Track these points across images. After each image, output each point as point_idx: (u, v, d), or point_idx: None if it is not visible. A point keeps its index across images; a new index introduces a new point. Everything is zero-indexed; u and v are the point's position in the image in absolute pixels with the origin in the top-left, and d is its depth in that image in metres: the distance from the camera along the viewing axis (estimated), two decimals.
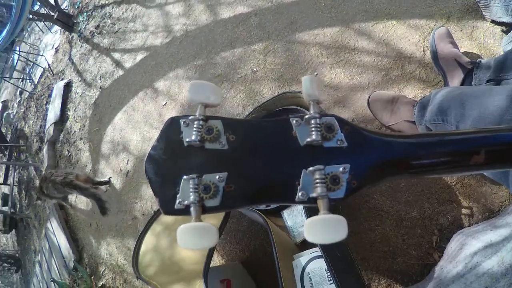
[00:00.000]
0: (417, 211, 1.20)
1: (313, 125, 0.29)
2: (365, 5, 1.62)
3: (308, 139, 0.29)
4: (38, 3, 4.40)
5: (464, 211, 1.14)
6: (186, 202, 0.29)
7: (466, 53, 1.29)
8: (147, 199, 2.16)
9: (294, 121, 0.30)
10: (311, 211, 1.02)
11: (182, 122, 0.31)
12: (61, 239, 2.76)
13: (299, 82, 1.66)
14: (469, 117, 0.76)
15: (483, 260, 0.84)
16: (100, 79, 3.17)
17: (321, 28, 1.72)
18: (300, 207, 1.22)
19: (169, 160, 0.31)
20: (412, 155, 0.29)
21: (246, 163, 0.29)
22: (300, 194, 0.28)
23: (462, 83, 1.15)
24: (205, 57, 2.20)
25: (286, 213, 1.27)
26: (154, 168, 0.31)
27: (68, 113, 3.43)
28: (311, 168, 0.28)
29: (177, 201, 0.29)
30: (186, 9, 2.59)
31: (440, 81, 1.31)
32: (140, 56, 2.81)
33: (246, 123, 0.31)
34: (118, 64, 3.03)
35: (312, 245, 1.03)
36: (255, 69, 1.89)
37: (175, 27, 2.59)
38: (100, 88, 3.11)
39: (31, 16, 4.10)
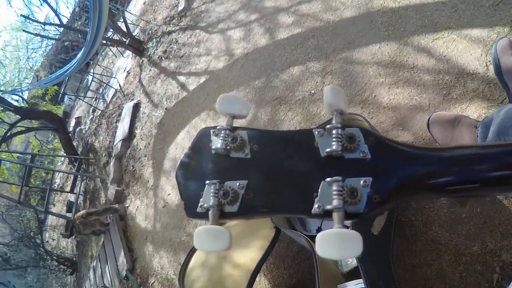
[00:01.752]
0: (478, 245, 1.08)
1: (334, 136, 0.28)
2: (423, 20, 1.55)
3: (328, 149, 0.28)
4: (111, 30, 4.88)
5: None
6: (206, 206, 0.30)
7: None
8: None
9: (317, 132, 0.29)
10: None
11: (212, 132, 0.33)
12: (117, 248, 2.93)
13: (357, 104, 1.62)
14: None
15: None
16: (166, 100, 3.39)
17: (378, 47, 1.68)
18: None
19: (197, 167, 0.33)
20: (445, 171, 0.27)
21: (267, 172, 0.30)
22: (316, 206, 0.27)
23: None
24: (265, 80, 2.24)
25: None
26: (183, 173, 0.33)
27: (136, 131, 3.70)
28: (328, 179, 0.27)
29: (199, 205, 0.30)
30: (246, 33, 2.70)
31: (505, 98, 1.19)
32: (203, 79, 2.96)
33: (271, 134, 0.31)
34: (183, 86, 3.22)
35: (358, 276, 0.97)
36: (312, 91, 1.88)
37: (236, 51, 2.70)
38: (166, 109, 3.33)
39: (105, 42, 4.54)
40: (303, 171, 0.29)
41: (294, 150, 0.30)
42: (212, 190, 0.30)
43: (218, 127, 0.33)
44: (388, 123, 1.47)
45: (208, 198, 0.30)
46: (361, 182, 0.27)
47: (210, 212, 0.29)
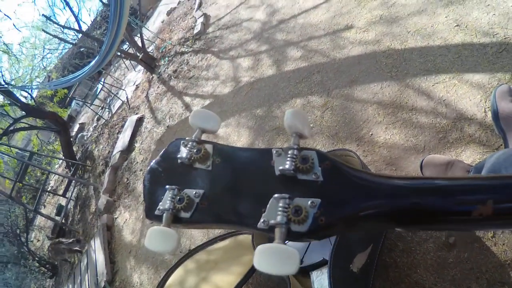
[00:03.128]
0: None
1: (289, 155, 0.29)
2: (427, 64, 1.59)
3: (281, 168, 0.29)
4: (127, 44, 5.01)
5: None
6: (162, 209, 0.31)
7: None
8: (188, 237, 2.18)
9: (275, 151, 0.30)
10: (335, 274, 0.95)
11: (182, 143, 0.34)
12: (99, 257, 2.88)
13: (353, 141, 1.64)
14: None
15: None
16: (169, 118, 3.43)
17: (380, 87, 1.71)
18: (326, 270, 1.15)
19: (163, 173, 0.34)
20: (397, 201, 0.27)
21: (223, 185, 0.31)
22: (262, 220, 0.27)
23: None
24: (267, 110, 2.28)
25: (315, 274, 1.20)
26: (150, 178, 0.35)
27: (135, 144, 3.72)
28: (276, 195, 0.28)
29: (158, 207, 0.32)
30: (255, 63, 2.76)
31: (501, 145, 1.20)
32: (208, 102, 3.01)
33: (234, 150, 0.33)
34: (187, 107, 3.27)
35: None
36: (311, 125, 1.90)
37: (243, 78, 2.76)
38: (168, 126, 3.36)
39: (119, 54, 4.66)
40: (257, 187, 0.30)
41: (253, 166, 0.31)
42: (170, 195, 0.31)
43: (187, 138, 0.34)
44: (381, 162, 1.48)
45: (165, 202, 0.31)
46: (309, 202, 0.27)
47: (164, 215, 0.31)
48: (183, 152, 0.33)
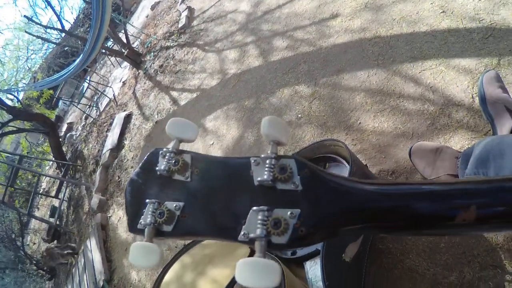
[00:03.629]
0: (455, 275, 1.07)
1: (267, 165, 0.29)
2: (413, 51, 1.59)
3: (259, 178, 0.28)
4: (112, 40, 4.93)
5: (508, 277, 1.00)
6: (143, 223, 0.31)
7: None
8: None
9: (253, 161, 0.30)
10: (328, 265, 0.95)
11: (161, 153, 0.34)
12: (96, 257, 2.87)
13: (342, 130, 1.64)
14: (506, 169, 0.68)
15: None
16: (157, 114, 3.40)
17: (367, 76, 1.71)
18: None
19: (144, 185, 0.34)
20: (373, 206, 0.27)
21: (203, 196, 0.30)
22: (242, 233, 0.27)
23: None
24: (255, 101, 2.27)
25: (308, 264, 1.20)
26: (131, 190, 0.34)
27: (125, 142, 3.69)
28: (255, 208, 0.27)
29: (140, 221, 0.31)
30: (241, 54, 2.74)
31: (489, 130, 1.20)
32: (195, 96, 2.98)
33: (212, 159, 0.32)
34: (175, 101, 3.24)
35: None
36: (299, 116, 1.90)
37: (230, 71, 2.74)
38: (156, 122, 3.33)
39: (104, 51, 4.58)
40: (236, 198, 0.29)
41: (232, 176, 0.30)
42: (150, 209, 0.31)
43: (164, 149, 0.33)
44: (371, 150, 1.48)
45: (147, 216, 0.31)
46: (288, 213, 0.27)
47: (146, 229, 0.30)
48: (162, 164, 0.33)
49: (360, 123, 1.60)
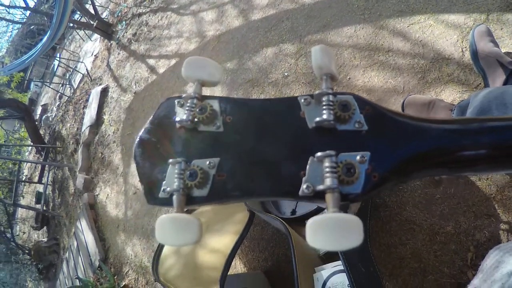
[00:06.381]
0: (452, 225, 1.10)
1: (324, 103, 0.23)
2: (400, 5, 1.53)
3: (318, 119, 0.23)
4: (79, 13, 4.63)
5: (503, 226, 1.02)
6: (169, 190, 0.24)
7: (508, 54, 1.17)
8: None
9: (303, 100, 0.24)
10: None
11: (177, 102, 0.28)
12: (88, 238, 2.83)
13: None
14: None
15: None
16: (135, 84, 3.26)
17: (354, 30, 1.65)
18: None
19: (159, 144, 0.27)
20: (453, 146, 0.23)
21: (243, 149, 0.25)
22: (305, 186, 0.22)
23: (505, 85, 1.05)
24: (237, 63, 2.18)
25: None
26: (143, 152, 0.27)
27: (104, 117, 3.55)
28: (319, 154, 0.22)
29: (162, 189, 0.25)
30: (219, 15, 2.61)
31: (480, 83, 1.20)
32: (173, 62, 2.86)
33: (247, 102, 0.26)
34: (152, 70, 3.10)
35: (336, 258, 0.95)
36: (286, 74, 1.85)
37: (208, 33, 2.61)
38: (135, 93, 3.20)
39: (71, 25, 4.31)
40: (287, 146, 0.24)
41: (276, 121, 0.25)
42: (176, 171, 0.24)
43: (183, 96, 0.27)
44: None
45: (171, 181, 0.25)
46: (358, 157, 0.22)
47: (174, 198, 0.24)
48: (182, 114, 0.26)
49: (349, 78, 1.57)
